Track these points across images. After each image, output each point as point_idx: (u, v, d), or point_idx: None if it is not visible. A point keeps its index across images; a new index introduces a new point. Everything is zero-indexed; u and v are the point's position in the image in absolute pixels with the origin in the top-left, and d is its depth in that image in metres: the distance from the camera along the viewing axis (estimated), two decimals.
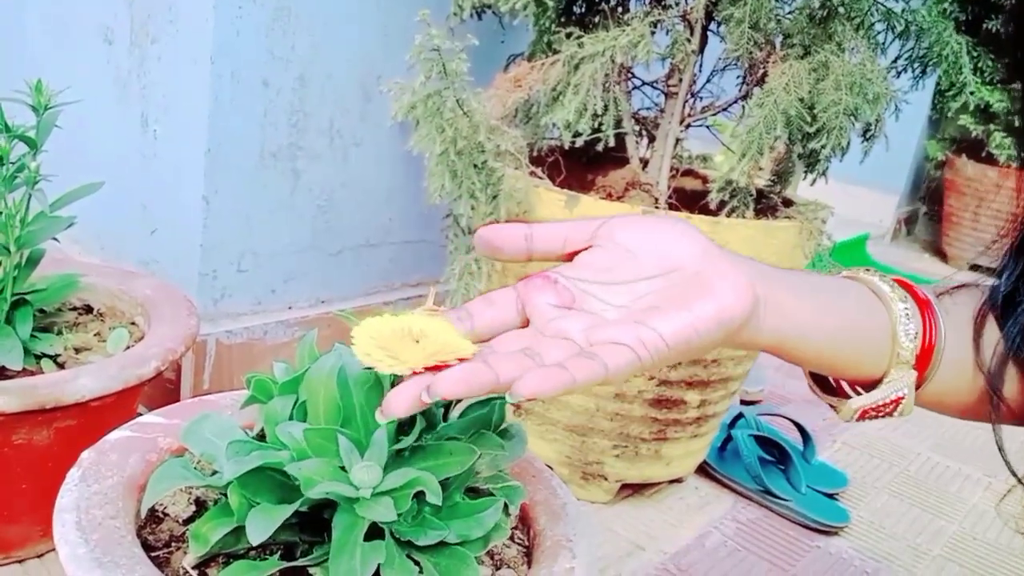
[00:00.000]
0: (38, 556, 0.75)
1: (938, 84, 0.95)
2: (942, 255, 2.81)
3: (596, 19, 1.00)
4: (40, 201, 0.67)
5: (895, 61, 0.87)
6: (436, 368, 0.40)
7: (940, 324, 0.50)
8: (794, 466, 1.11)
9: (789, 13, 0.84)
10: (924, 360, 0.50)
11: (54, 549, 0.70)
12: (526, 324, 0.43)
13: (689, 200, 1.02)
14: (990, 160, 2.53)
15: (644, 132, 1.03)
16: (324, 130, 1.03)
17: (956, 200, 2.70)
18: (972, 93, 0.90)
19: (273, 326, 1.05)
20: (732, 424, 1.17)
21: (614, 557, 0.91)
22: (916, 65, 0.86)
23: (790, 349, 0.47)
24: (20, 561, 0.75)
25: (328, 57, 0.99)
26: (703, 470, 1.11)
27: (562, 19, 0.98)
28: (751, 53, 0.85)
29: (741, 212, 0.85)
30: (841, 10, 0.82)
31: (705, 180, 1.17)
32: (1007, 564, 1.02)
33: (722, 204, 0.87)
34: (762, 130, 0.79)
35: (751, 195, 0.84)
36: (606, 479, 0.99)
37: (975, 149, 2.59)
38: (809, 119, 0.80)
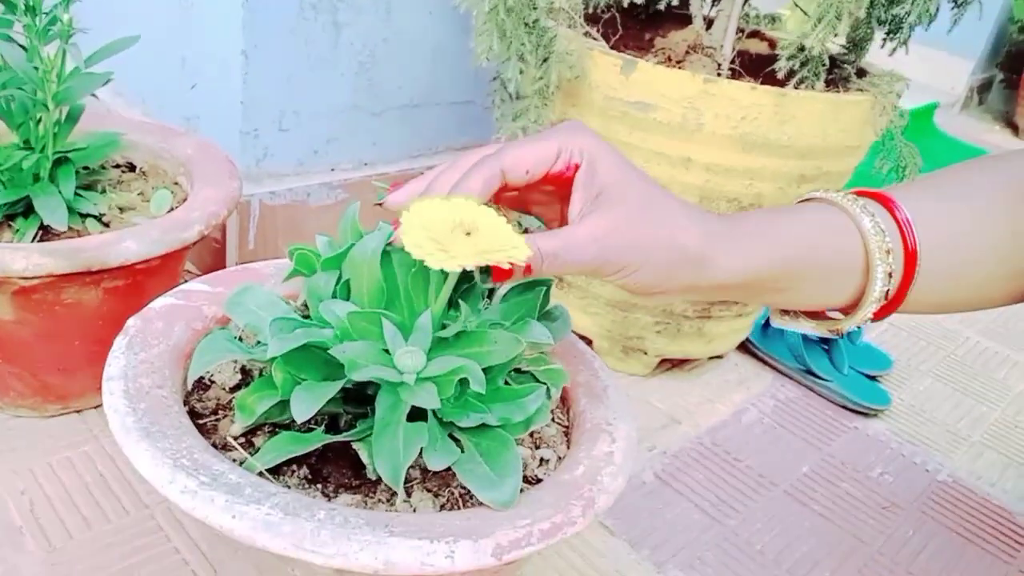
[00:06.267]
0: (95, 407, 0.78)
1: None
2: (1014, 127, 2.66)
3: None
4: (75, 56, 0.65)
5: None
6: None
7: (917, 233, 0.47)
8: (838, 346, 1.10)
9: None
10: (909, 270, 0.48)
11: None
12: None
13: (754, 65, 0.95)
14: None
15: None
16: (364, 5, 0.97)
17: None
18: None
19: (316, 188, 1.03)
20: None
21: (650, 429, 0.92)
22: None
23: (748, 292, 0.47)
24: (78, 411, 0.78)
25: None
26: (744, 347, 1.10)
27: None
28: None
29: (811, 83, 0.79)
30: None
31: (772, 43, 1.09)
32: None
33: (791, 73, 0.81)
34: None
35: (824, 64, 0.78)
36: (645, 353, 0.99)
37: None
38: None
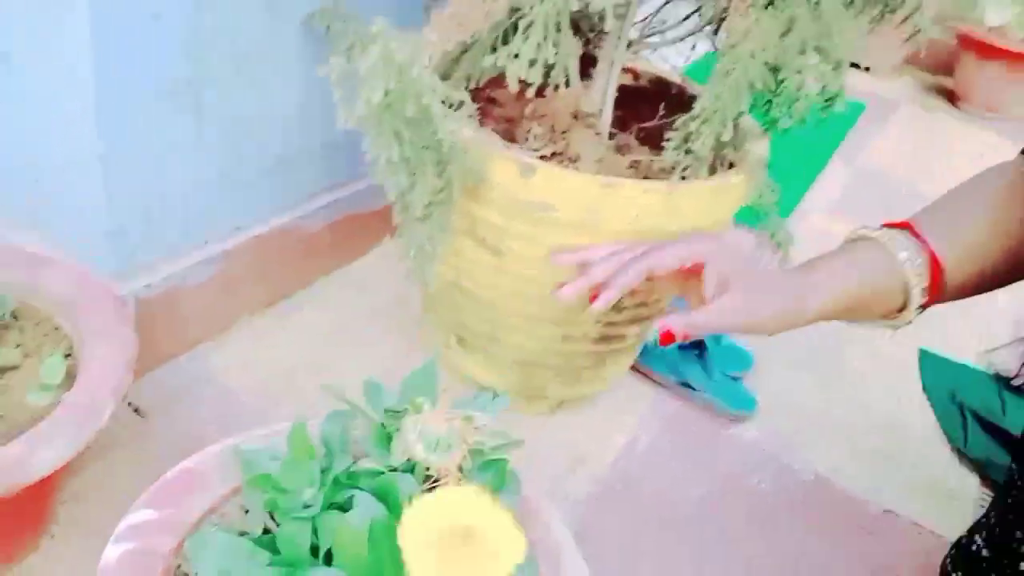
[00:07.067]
0: None
1: None
2: None
3: None
4: None
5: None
6: None
7: (943, 253, 0.66)
8: (708, 352, 1.20)
9: None
10: (936, 287, 0.67)
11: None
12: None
13: (621, 98, 0.97)
14: None
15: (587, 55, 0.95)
16: (226, 55, 0.89)
17: None
18: None
19: (193, 267, 0.98)
20: None
21: (560, 476, 0.99)
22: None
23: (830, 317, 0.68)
24: None
25: None
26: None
27: None
28: None
29: (695, 172, 0.84)
30: None
31: (636, 74, 1.12)
32: (893, 437, 1.19)
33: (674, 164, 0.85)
34: (727, 100, 0.76)
35: (707, 160, 0.83)
36: (548, 398, 1.04)
37: None
38: (774, 85, 0.77)
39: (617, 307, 0.92)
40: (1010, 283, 0.72)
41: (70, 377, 0.70)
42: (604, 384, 1.06)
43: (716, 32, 0.87)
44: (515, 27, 0.82)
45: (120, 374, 0.68)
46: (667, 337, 0.60)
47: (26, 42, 0.79)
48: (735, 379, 1.22)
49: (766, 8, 0.78)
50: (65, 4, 0.74)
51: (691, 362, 1.20)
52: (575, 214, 0.80)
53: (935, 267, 0.66)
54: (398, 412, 0.56)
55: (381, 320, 1.17)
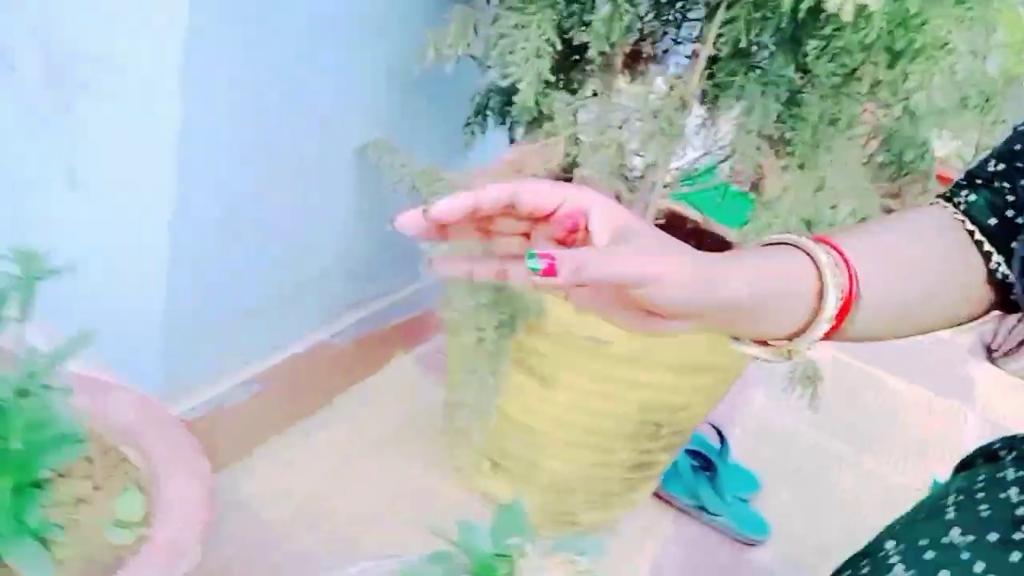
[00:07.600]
0: None
1: None
2: None
3: (582, 77, 0.96)
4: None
5: (869, 159, 0.92)
6: None
7: (857, 282, 0.56)
8: (718, 474, 1.24)
9: (793, 127, 0.85)
10: (844, 311, 0.55)
11: None
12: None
13: None
14: None
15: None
16: (287, 177, 0.93)
17: None
18: None
19: (232, 389, 0.98)
20: None
21: None
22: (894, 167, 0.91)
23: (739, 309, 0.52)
24: None
25: (295, 106, 0.89)
26: None
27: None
28: (754, 155, 0.87)
29: None
30: (842, 123, 0.85)
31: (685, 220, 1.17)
32: None
33: None
34: None
35: None
36: (577, 523, 1.06)
37: None
38: None
39: (654, 435, 0.96)
40: (927, 329, 0.65)
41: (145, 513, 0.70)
42: (629, 509, 1.08)
43: (752, 188, 0.95)
44: (567, 175, 0.89)
45: (202, 511, 0.68)
46: (550, 270, 0.45)
47: (109, 169, 0.82)
48: (744, 501, 1.25)
49: (799, 168, 0.86)
50: (157, 132, 0.78)
51: (704, 485, 1.23)
52: (629, 348, 0.85)
53: (851, 280, 0.57)
54: (503, 556, 0.58)
55: (402, 436, 1.18)
